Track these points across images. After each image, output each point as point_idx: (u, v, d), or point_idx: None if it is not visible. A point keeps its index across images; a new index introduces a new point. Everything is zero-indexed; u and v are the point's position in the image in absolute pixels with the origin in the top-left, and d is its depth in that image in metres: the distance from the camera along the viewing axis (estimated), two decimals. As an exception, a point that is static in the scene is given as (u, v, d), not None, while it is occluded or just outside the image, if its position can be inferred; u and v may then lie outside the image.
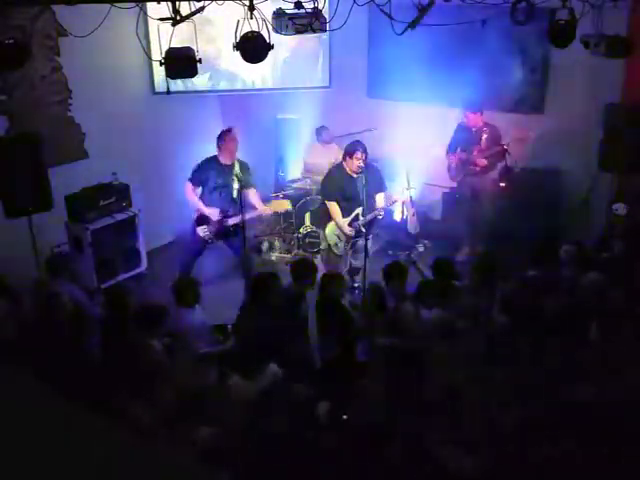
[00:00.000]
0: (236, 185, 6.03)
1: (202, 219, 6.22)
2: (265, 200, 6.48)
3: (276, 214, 6.28)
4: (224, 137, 6.12)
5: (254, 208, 6.18)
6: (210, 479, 1.11)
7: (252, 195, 6.19)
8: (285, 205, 6.45)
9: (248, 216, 6.02)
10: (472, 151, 6.95)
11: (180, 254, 6.67)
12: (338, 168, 6.24)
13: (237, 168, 6.09)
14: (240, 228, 5.95)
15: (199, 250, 6.40)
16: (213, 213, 6.14)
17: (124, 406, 3.45)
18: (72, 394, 1.29)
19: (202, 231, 6.21)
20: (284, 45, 7.53)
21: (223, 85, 7.89)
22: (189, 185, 6.19)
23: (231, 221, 6.14)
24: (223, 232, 6.22)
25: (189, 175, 6.21)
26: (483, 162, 6.92)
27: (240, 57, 4.26)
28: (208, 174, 6.14)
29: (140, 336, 4.34)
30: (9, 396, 1.24)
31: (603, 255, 5.46)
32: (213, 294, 5.82)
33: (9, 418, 1.17)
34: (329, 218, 6.26)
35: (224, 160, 6.14)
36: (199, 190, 6.23)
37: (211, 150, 6.27)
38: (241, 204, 5.90)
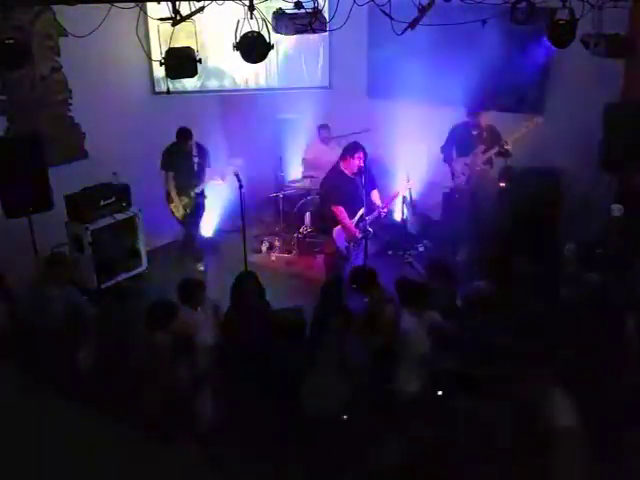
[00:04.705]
0: (196, 160, 6.99)
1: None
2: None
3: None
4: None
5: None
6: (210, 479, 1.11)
7: (209, 171, 7.08)
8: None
9: (207, 183, 7.05)
10: (475, 151, 6.93)
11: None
12: (336, 171, 6.19)
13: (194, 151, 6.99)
14: (203, 195, 7.14)
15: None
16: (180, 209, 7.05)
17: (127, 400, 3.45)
18: (69, 394, 1.29)
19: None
20: (281, 44, 7.53)
21: (213, 83, 7.88)
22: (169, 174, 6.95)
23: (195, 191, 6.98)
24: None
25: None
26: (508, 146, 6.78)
27: (229, 55, 4.22)
28: (174, 159, 6.87)
29: (149, 330, 4.33)
30: (8, 397, 1.24)
31: (599, 253, 5.44)
32: (212, 293, 5.80)
33: (9, 419, 1.18)
34: (335, 222, 6.18)
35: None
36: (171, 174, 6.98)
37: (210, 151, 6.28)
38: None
